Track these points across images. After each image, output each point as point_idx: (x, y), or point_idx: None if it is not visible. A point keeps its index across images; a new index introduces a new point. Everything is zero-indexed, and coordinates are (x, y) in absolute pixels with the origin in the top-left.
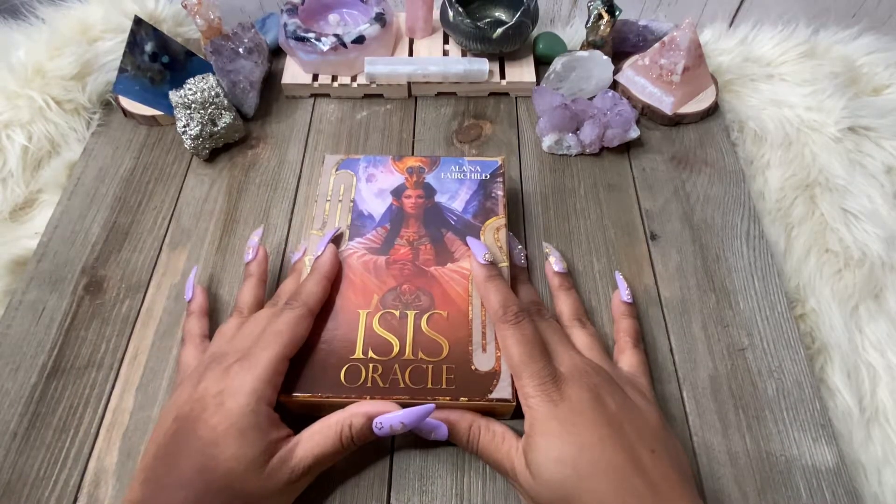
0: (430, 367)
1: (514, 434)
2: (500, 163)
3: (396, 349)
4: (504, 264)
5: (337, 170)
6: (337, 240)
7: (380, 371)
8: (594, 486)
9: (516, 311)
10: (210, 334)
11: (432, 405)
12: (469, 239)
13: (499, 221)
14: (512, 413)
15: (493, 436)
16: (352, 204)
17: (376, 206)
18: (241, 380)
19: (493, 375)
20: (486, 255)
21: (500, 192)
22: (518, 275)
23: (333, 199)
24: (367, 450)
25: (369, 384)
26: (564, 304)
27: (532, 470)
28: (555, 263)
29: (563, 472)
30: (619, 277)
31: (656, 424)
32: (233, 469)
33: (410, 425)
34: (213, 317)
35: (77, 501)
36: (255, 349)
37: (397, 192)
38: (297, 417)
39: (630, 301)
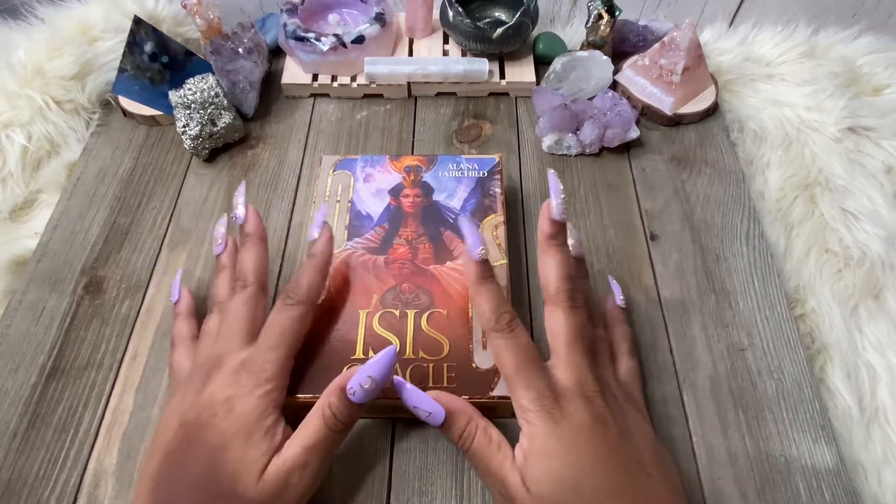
0: (432, 365)
1: (509, 446)
2: (497, 160)
3: (398, 349)
4: (502, 262)
5: (334, 170)
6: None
7: None
8: None
9: (510, 318)
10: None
11: (394, 347)
12: (463, 223)
13: (497, 219)
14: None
15: (490, 441)
16: (350, 204)
17: (374, 205)
18: (250, 384)
19: (495, 373)
20: (482, 251)
21: (499, 190)
22: (556, 234)
23: (332, 200)
24: (367, 450)
25: None
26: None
27: (530, 486)
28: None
29: (564, 493)
30: (613, 282)
31: (652, 443)
32: (237, 471)
33: (380, 377)
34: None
35: (77, 502)
36: (260, 351)
37: (395, 192)
38: (299, 420)
39: (624, 307)
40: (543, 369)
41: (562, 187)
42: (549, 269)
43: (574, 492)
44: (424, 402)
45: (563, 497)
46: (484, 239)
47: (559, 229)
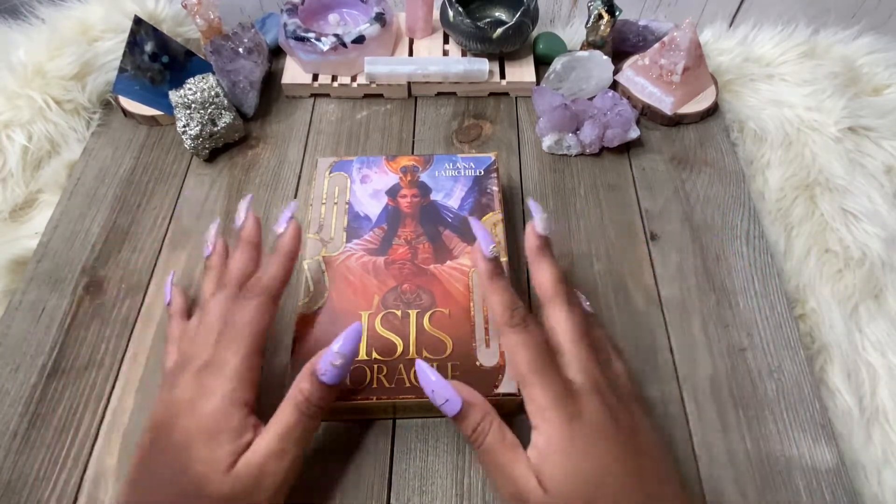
0: (435, 364)
1: (522, 447)
2: (493, 158)
3: (400, 349)
4: (502, 259)
5: (330, 172)
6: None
7: (385, 372)
8: None
9: (523, 314)
10: None
11: (359, 323)
12: (474, 223)
13: (496, 217)
14: (517, 408)
15: (504, 439)
16: (347, 206)
17: (372, 206)
18: (210, 383)
19: (499, 370)
20: (493, 248)
21: (496, 188)
22: (542, 246)
23: (329, 202)
24: (367, 450)
25: (375, 385)
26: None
27: (547, 486)
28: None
29: (585, 491)
30: (577, 293)
31: (658, 440)
32: (201, 472)
33: (349, 353)
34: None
35: (77, 501)
36: (220, 349)
37: (392, 192)
38: None
39: (592, 311)
40: (558, 367)
41: (542, 208)
42: (543, 273)
43: (594, 489)
44: (443, 388)
45: (583, 495)
46: (494, 237)
47: (546, 242)
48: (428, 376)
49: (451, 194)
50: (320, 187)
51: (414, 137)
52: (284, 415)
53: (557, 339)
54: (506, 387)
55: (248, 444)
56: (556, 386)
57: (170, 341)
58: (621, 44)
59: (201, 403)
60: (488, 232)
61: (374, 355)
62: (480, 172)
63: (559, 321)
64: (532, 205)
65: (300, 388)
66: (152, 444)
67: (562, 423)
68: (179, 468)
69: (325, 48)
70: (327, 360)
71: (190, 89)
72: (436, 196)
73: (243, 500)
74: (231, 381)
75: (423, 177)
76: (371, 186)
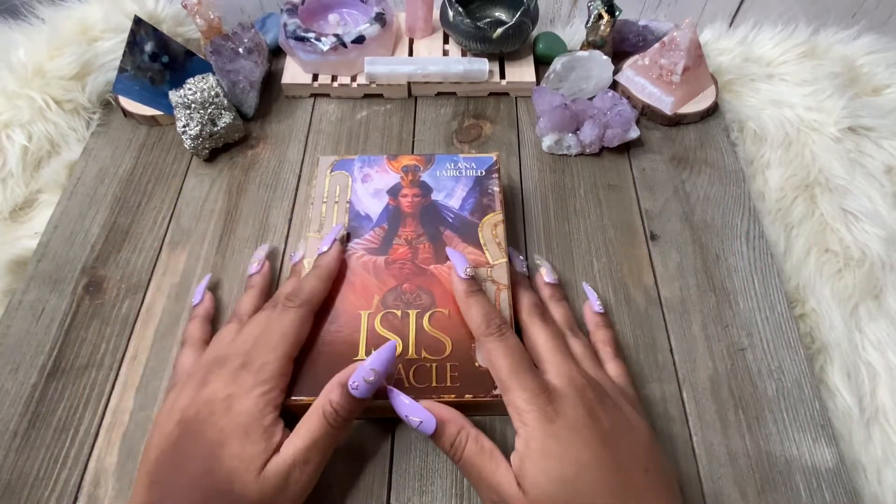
0: (434, 365)
1: (501, 454)
2: (494, 159)
3: (400, 349)
4: (502, 260)
5: (332, 171)
6: (343, 239)
7: None
8: None
9: (499, 323)
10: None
11: (394, 342)
12: (449, 250)
13: (496, 217)
14: None
15: (481, 449)
16: (348, 205)
17: (373, 206)
18: (249, 383)
19: None
20: (468, 270)
21: (497, 188)
22: (520, 281)
23: (329, 201)
24: (367, 450)
25: None
26: (556, 315)
27: (528, 489)
28: (546, 274)
29: (563, 492)
30: (588, 288)
31: (647, 440)
32: (235, 469)
33: (381, 369)
34: (214, 320)
35: (77, 501)
36: (260, 352)
37: (393, 192)
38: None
39: (602, 311)
40: (535, 370)
41: (467, 264)
42: (520, 301)
43: (573, 490)
44: (416, 410)
45: (562, 496)
46: (467, 259)
47: (521, 277)
48: (401, 400)
49: (452, 194)
50: (321, 186)
51: (414, 137)
52: (311, 424)
53: (537, 351)
54: None
55: (277, 447)
56: (534, 388)
57: (189, 342)
58: (621, 44)
59: (238, 401)
60: (462, 255)
61: None
62: (482, 173)
63: (537, 335)
64: (511, 250)
65: (329, 399)
66: (179, 442)
67: (540, 425)
68: (211, 465)
69: (325, 48)
70: (360, 375)
71: (190, 89)
72: (437, 196)
73: None
74: (268, 381)
75: (425, 176)
76: (372, 185)
